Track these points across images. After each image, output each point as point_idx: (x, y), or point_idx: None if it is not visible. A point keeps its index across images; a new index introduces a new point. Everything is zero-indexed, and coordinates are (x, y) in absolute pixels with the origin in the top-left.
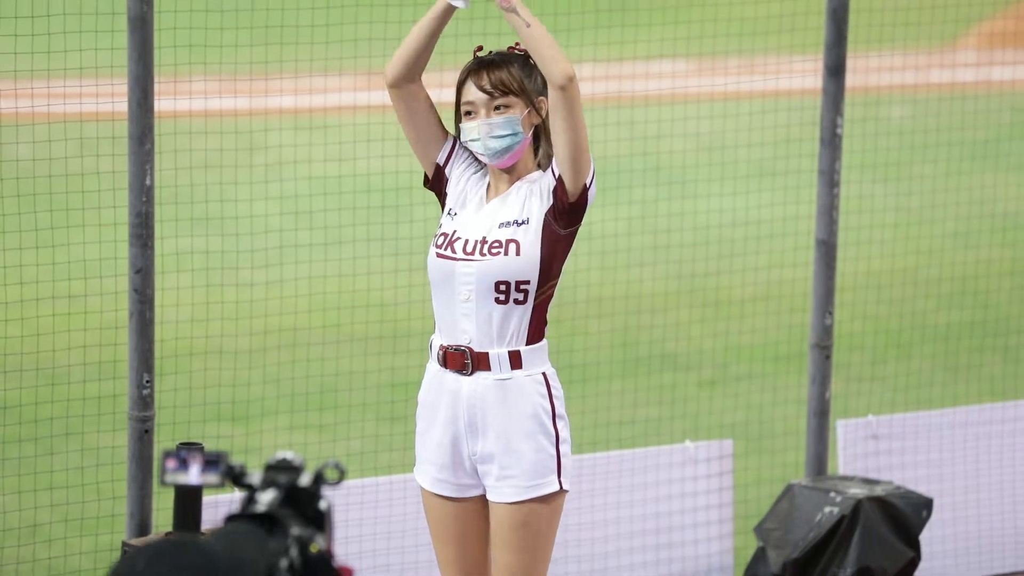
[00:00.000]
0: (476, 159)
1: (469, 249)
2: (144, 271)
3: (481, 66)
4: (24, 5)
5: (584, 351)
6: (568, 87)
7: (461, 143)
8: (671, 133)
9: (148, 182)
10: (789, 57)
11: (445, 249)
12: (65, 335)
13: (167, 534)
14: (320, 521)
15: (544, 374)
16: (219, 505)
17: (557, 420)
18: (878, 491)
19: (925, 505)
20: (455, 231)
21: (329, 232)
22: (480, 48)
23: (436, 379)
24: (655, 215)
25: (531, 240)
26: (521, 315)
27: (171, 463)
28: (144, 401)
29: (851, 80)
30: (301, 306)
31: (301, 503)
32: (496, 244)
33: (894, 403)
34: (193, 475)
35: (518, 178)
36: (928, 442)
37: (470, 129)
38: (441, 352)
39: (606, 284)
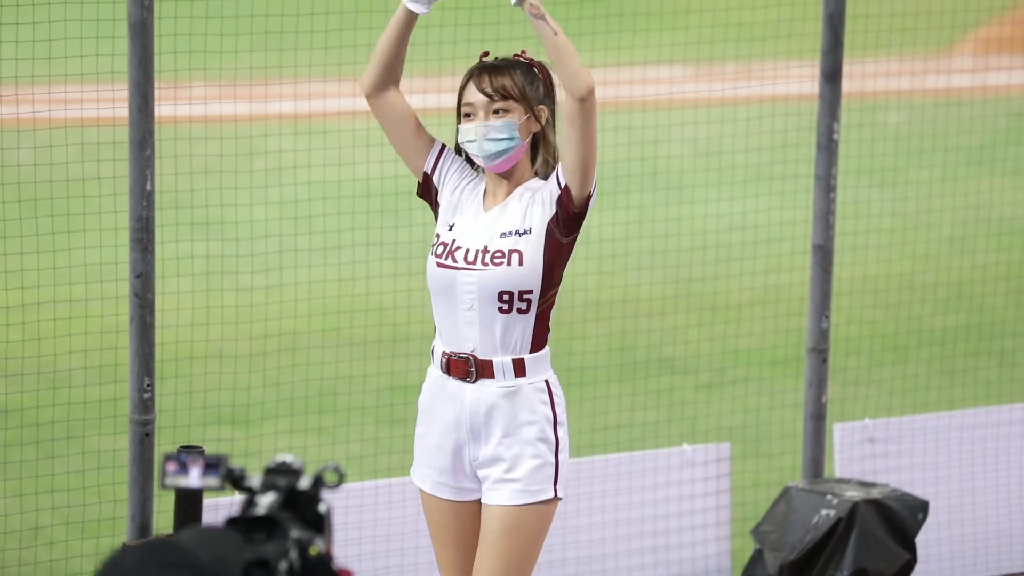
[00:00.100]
0: (469, 166)
1: (470, 258)
2: (145, 275)
3: (484, 70)
4: (25, 11)
5: (582, 354)
6: (588, 99)
7: (448, 150)
8: (669, 138)
9: (148, 187)
10: (786, 63)
11: (445, 258)
12: (66, 339)
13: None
14: (319, 524)
15: (547, 382)
16: (219, 508)
17: (558, 428)
18: (874, 494)
19: (921, 508)
20: (454, 240)
21: (328, 236)
22: (486, 54)
23: (438, 385)
24: (653, 220)
25: (533, 250)
26: (525, 324)
27: (171, 466)
28: (145, 405)
29: (847, 86)
30: (301, 310)
31: (301, 506)
32: (499, 254)
33: (890, 406)
34: (193, 478)
35: (516, 185)
36: (924, 445)
37: (467, 130)
38: (444, 359)
39: (604, 288)
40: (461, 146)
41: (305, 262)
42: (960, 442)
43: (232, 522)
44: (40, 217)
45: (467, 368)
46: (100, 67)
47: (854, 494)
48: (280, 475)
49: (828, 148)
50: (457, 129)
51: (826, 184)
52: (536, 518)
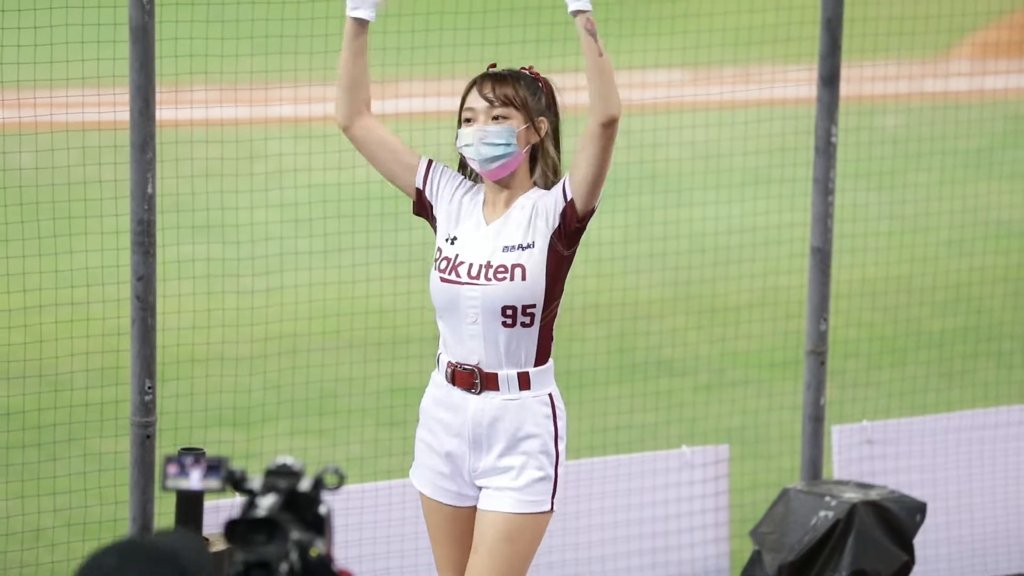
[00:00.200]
0: (464, 176)
1: (474, 273)
2: (146, 278)
3: (488, 77)
4: (27, 16)
5: (581, 357)
6: (610, 127)
7: (436, 163)
8: (668, 141)
9: (150, 190)
10: (784, 67)
11: (449, 273)
12: (68, 342)
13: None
14: (320, 525)
15: (551, 395)
16: (220, 510)
17: (559, 442)
18: (873, 495)
19: (919, 509)
20: (457, 255)
21: (329, 239)
22: (494, 65)
23: (442, 391)
24: (651, 222)
25: (536, 264)
26: (529, 337)
27: (173, 468)
28: (146, 407)
29: (845, 89)
30: (301, 313)
31: (301, 508)
32: (502, 269)
33: (888, 408)
34: (194, 480)
35: (515, 195)
36: (922, 447)
37: (466, 135)
38: (450, 370)
39: (603, 291)
40: (459, 150)
41: (305, 265)
42: (958, 444)
43: (233, 524)
44: (42, 220)
45: (472, 380)
46: (101, 71)
47: (852, 496)
48: (281, 477)
49: (826, 151)
50: (457, 134)
51: (824, 187)
52: (534, 528)
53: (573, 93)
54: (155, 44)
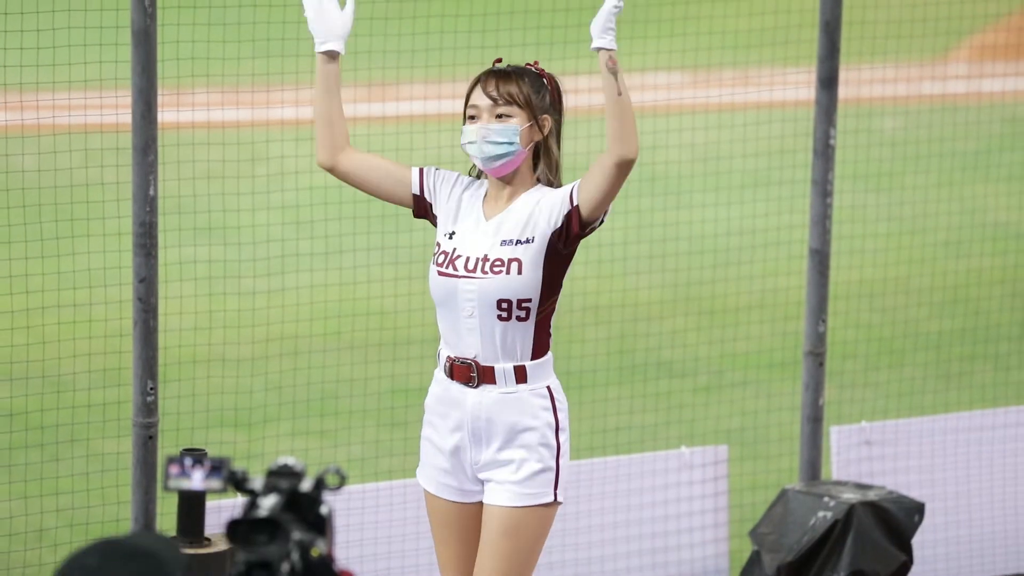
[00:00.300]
0: (465, 174)
1: (470, 267)
2: (148, 280)
3: (492, 74)
4: (30, 19)
5: (581, 358)
6: (624, 168)
7: (429, 168)
8: (667, 144)
9: (152, 192)
10: (783, 69)
11: (446, 267)
12: (70, 343)
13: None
14: (321, 526)
15: (549, 387)
16: (222, 510)
17: (560, 433)
18: (871, 496)
19: (917, 510)
20: (455, 249)
21: (330, 241)
22: (499, 60)
23: (442, 388)
24: (651, 224)
25: (533, 259)
26: (524, 331)
27: (175, 469)
28: (148, 408)
29: (844, 92)
30: (302, 314)
31: (302, 508)
32: (498, 262)
33: (887, 409)
34: (196, 481)
35: (518, 192)
36: (920, 448)
37: (469, 132)
38: (448, 364)
39: (603, 292)
40: (462, 148)
41: (306, 266)
42: (956, 445)
43: (234, 524)
44: (44, 222)
45: (469, 373)
46: (104, 74)
47: (851, 496)
48: (282, 477)
49: (825, 153)
50: (461, 132)
51: (823, 189)
52: (536, 521)
53: (574, 95)
54: (157, 47)
